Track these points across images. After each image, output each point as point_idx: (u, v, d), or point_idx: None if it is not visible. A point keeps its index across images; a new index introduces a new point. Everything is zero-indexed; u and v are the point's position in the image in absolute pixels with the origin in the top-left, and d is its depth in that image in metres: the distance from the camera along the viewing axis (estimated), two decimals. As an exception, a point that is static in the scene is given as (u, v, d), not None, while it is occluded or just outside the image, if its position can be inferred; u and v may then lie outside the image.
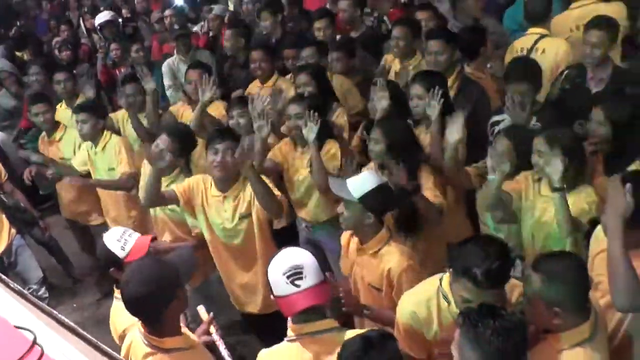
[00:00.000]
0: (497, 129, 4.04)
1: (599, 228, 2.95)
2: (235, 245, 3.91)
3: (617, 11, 4.67)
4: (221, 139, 3.73)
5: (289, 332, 2.61)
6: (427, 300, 2.72)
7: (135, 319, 2.69)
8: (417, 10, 5.49)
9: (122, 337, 2.93)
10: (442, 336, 2.70)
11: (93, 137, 4.96)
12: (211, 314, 3.02)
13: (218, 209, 3.84)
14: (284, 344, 2.61)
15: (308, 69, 4.69)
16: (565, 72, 4.25)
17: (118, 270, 3.05)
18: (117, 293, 3.04)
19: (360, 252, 3.22)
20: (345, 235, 3.41)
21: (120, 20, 8.18)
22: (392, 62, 5.17)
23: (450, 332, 2.41)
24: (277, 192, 3.79)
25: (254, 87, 5.30)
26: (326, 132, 4.11)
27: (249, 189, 3.75)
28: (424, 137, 3.99)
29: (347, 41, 5.65)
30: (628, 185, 2.46)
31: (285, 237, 4.10)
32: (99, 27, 7.88)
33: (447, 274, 2.69)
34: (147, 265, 2.61)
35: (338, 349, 2.37)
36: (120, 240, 3.08)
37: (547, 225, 3.32)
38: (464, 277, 2.50)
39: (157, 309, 2.51)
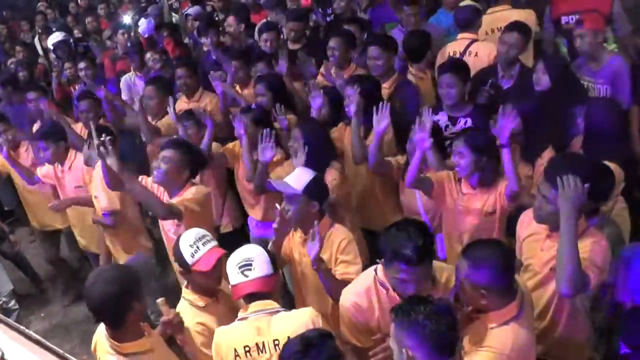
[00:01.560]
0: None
1: (524, 214, 3.05)
2: None
3: (528, 17, 4.84)
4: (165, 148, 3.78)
5: (239, 314, 2.75)
6: (367, 290, 2.76)
7: (192, 323, 2.84)
8: (346, 23, 5.52)
9: None
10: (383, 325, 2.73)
11: (59, 160, 4.75)
12: (174, 312, 2.91)
13: None
14: (235, 322, 2.75)
15: (264, 79, 4.67)
16: (490, 80, 4.37)
17: (185, 273, 3.00)
18: (184, 294, 3.03)
19: (306, 242, 3.23)
20: None
21: (71, 40, 7.97)
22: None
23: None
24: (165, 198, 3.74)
25: (182, 103, 5.27)
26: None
27: (185, 194, 3.70)
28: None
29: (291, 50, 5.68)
30: (587, 185, 2.55)
31: (236, 239, 4.10)
32: (52, 48, 7.69)
33: (380, 264, 2.74)
34: (110, 269, 2.67)
35: (276, 325, 2.63)
36: (192, 246, 2.93)
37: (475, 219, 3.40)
38: (396, 260, 2.56)
39: (121, 311, 2.49)
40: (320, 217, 3.22)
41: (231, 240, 3.48)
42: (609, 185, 2.93)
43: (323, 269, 3.07)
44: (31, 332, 2.08)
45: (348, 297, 2.81)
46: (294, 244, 3.33)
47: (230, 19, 6.37)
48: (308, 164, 3.54)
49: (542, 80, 3.90)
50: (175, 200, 3.64)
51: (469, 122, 4.02)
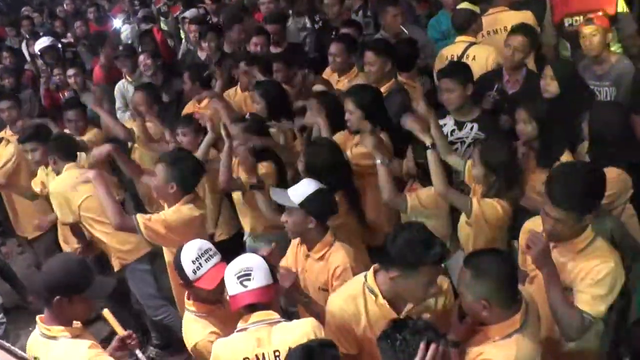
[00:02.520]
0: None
1: (528, 222, 3.02)
2: None
3: (526, 19, 4.80)
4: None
5: (239, 325, 2.74)
6: (354, 297, 2.73)
7: (205, 334, 2.92)
8: (343, 26, 5.53)
9: (192, 351, 3.03)
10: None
11: (47, 162, 4.77)
12: (129, 332, 2.94)
13: None
14: (234, 334, 2.74)
15: (261, 87, 4.64)
16: (497, 85, 4.37)
17: (186, 287, 3.01)
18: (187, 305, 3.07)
19: (308, 258, 3.23)
20: (292, 245, 3.38)
21: (60, 45, 7.93)
22: (331, 76, 5.14)
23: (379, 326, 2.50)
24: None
25: (191, 107, 5.26)
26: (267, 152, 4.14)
27: (160, 213, 3.69)
28: (360, 147, 3.96)
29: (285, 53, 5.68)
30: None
31: (231, 246, 4.07)
32: (39, 53, 7.65)
33: (370, 271, 2.74)
34: (72, 260, 2.83)
35: (277, 336, 2.64)
36: (195, 262, 2.94)
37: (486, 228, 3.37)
38: (426, 264, 2.52)
39: (47, 293, 2.63)
40: (322, 233, 3.17)
41: (225, 248, 3.45)
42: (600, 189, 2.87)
43: (301, 302, 3.10)
44: (17, 349, 2.06)
45: (335, 302, 2.79)
46: (298, 257, 3.31)
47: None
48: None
49: (551, 86, 3.89)
50: (140, 217, 3.60)
51: (476, 127, 4.00)
